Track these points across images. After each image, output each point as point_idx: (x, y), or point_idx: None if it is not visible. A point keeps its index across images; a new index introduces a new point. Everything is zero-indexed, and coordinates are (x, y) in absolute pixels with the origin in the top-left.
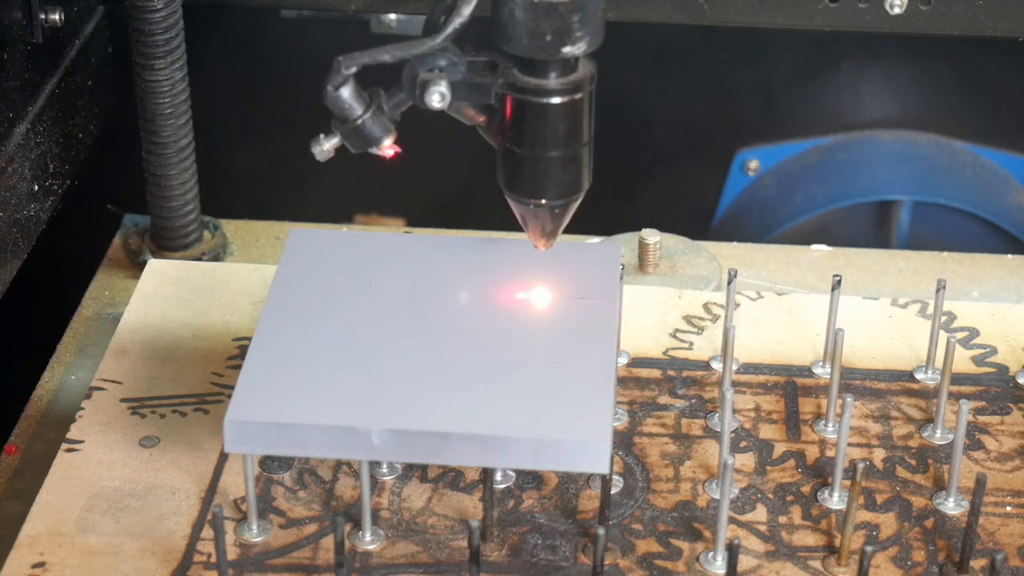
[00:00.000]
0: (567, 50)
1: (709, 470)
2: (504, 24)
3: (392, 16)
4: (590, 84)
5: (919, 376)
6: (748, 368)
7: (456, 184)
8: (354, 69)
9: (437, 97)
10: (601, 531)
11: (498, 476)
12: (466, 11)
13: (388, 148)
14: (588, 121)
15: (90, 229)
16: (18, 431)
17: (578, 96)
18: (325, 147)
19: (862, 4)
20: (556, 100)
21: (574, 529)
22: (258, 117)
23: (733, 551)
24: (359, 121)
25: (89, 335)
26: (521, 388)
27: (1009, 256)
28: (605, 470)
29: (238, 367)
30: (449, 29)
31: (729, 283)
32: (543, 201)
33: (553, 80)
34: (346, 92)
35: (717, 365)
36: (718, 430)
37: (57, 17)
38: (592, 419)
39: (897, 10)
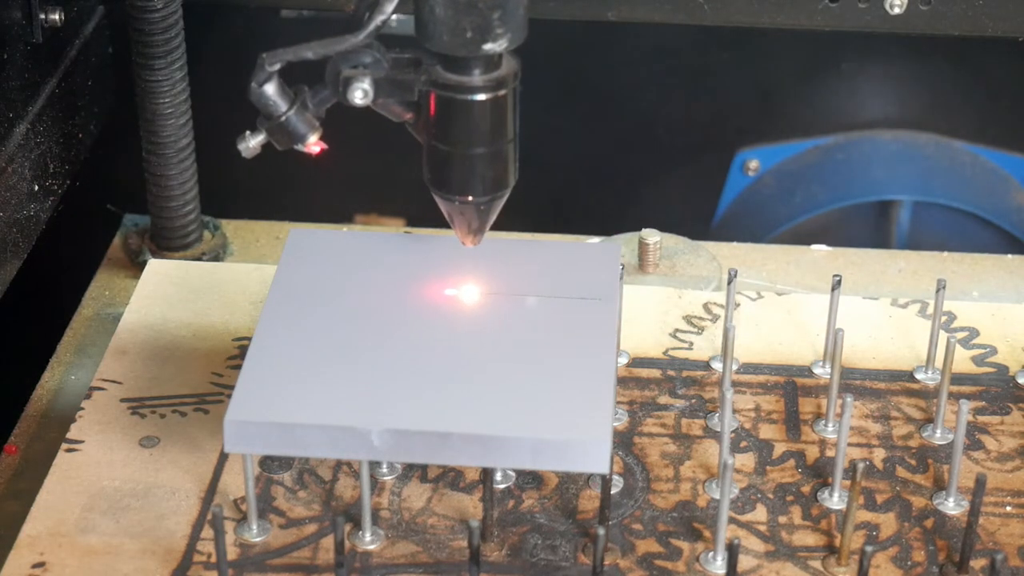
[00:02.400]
0: (488, 47)
1: (709, 470)
2: (425, 21)
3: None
4: (514, 81)
5: (919, 376)
6: (748, 368)
7: None
8: (278, 66)
9: (360, 94)
10: (601, 531)
11: (498, 476)
12: (388, 8)
13: (314, 145)
14: (513, 118)
15: (90, 229)
16: (18, 431)
17: (501, 93)
18: (251, 144)
19: (862, 4)
20: (479, 97)
21: (574, 529)
22: (258, 117)
23: (733, 551)
24: (283, 118)
25: (89, 335)
26: (521, 388)
27: (1009, 256)
28: (605, 470)
29: (238, 367)
30: (371, 26)
31: (729, 283)
32: (469, 198)
33: (476, 77)
34: (270, 89)
35: (717, 365)
36: (718, 430)
37: (57, 17)
38: (592, 419)
39: (897, 10)
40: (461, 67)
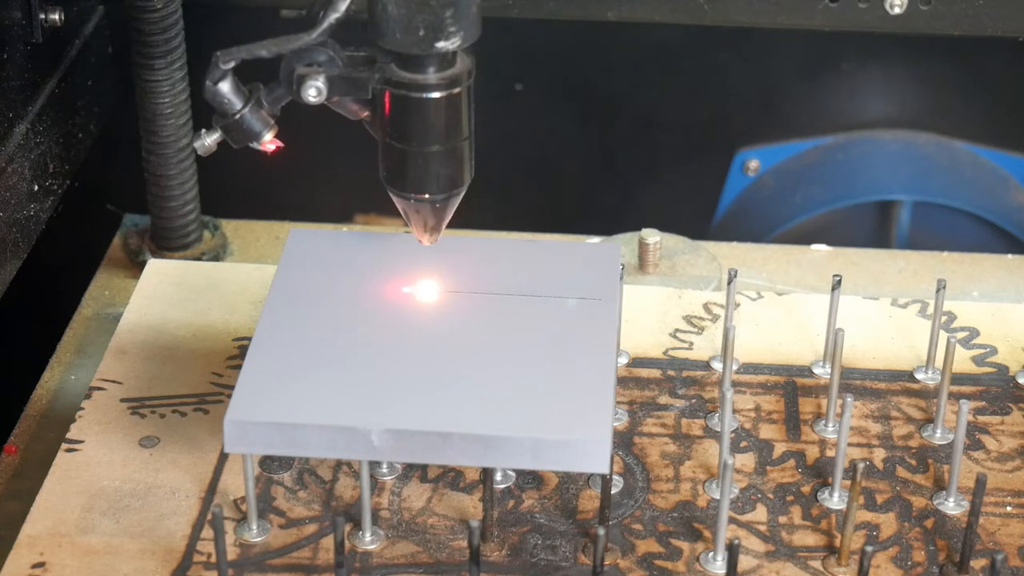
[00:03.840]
0: (441, 45)
1: (709, 470)
2: (378, 19)
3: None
4: (468, 78)
5: (919, 376)
6: (748, 368)
7: None
8: (232, 64)
9: (313, 92)
10: (601, 531)
11: (498, 476)
12: (341, 7)
13: (269, 143)
14: (468, 116)
15: (90, 229)
16: (18, 431)
17: (456, 91)
18: (207, 142)
19: (862, 4)
20: (433, 95)
21: (574, 529)
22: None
23: (733, 551)
24: (238, 116)
25: (89, 335)
26: (521, 388)
27: (1009, 256)
28: (605, 470)
29: (238, 367)
30: (325, 24)
31: (729, 283)
32: (425, 196)
33: (430, 75)
34: (225, 86)
35: (717, 365)
36: (718, 430)
37: (57, 17)
38: (592, 419)
39: (897, 10)
40: (415, 65)
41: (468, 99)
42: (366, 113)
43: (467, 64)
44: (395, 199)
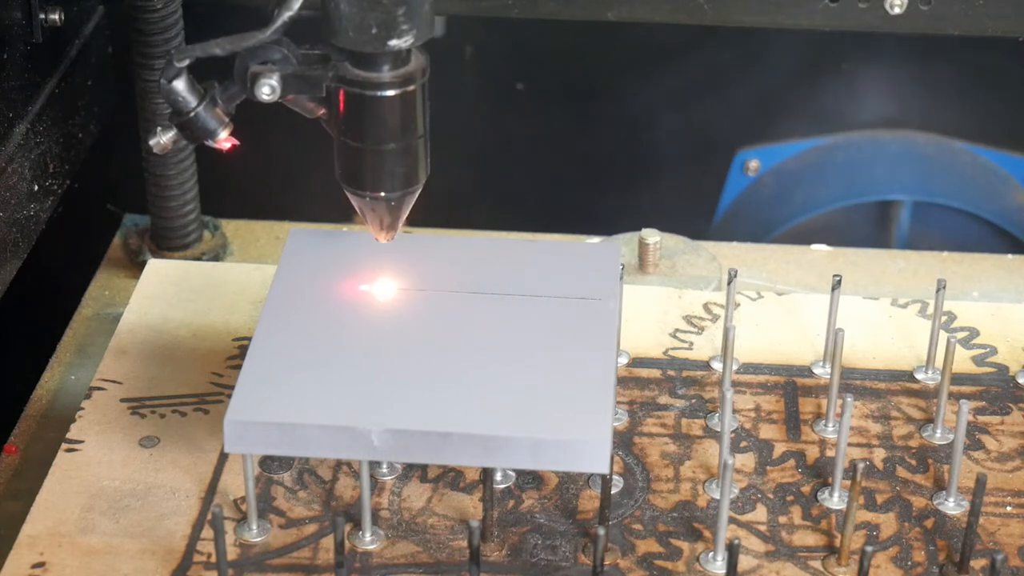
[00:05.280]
0: (394, 43)
1: (709, 470)
2: (331, 17)
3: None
4: (422, 76)
5: (919, 376)
6: (748, 368)
7: (456, 184)
8: (186, 62)
9: (267, 90)
10: (601, 531)
11: (498, 476)
12: (295, 5)
13: (225, 141)
14: (423, 113)
15: (90, 229)
16: (18, 431)
17: (410, 89)
18: (162, 140)
19: (862, 4)
20: (386, 93)
21: (574, 529)
22: (258, 117)
23: (733, 551)
24: (192, 114)
25: (89, 335)
26: (521, 388)
27: (1009, 256)
28: (605, 470)
29: (238, 367)
30: (278, 22)
31: (729, 283)
32: (380, 194)
33: (384, 73)
34: (179, 85)
35: (717, 365)
36: (718, 430)
37: (57, 17)
38: (592, 419)
39: (897, 10)
40: (368, 63)
41: (423, 97)
42: (322, 111)
43: (421, 62)
44: (351, 197)
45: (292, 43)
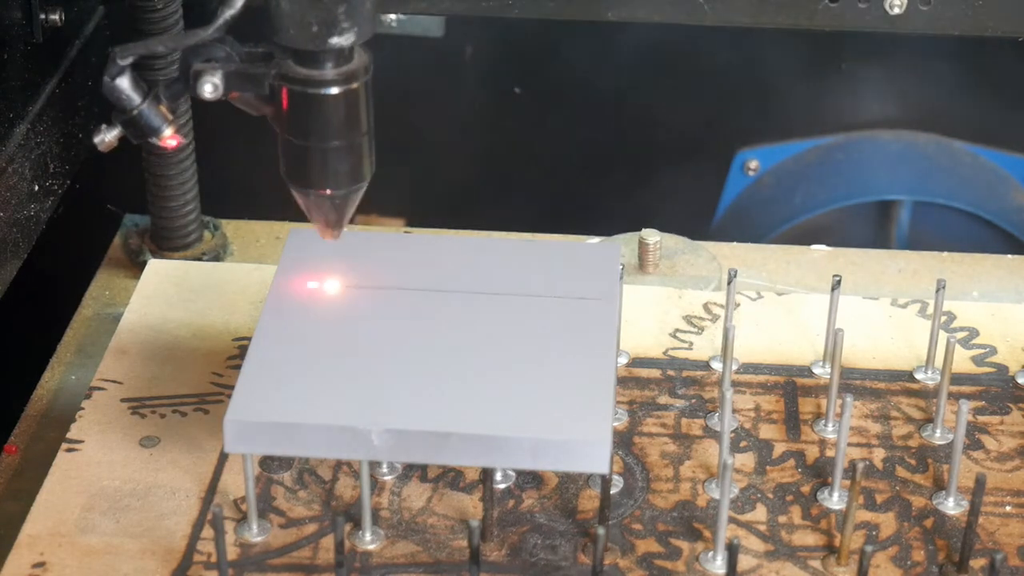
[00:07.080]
0: (335, 41)
1: (709, 470)
2: (273, 15)
3: (392, 16)
4: (365, 74)
5: (919, 376)
6: (748, 368)
7: (456, 184)
8: (130, 60)
9: (209, 88)
10: (601, 531)
11: (498, 476)
12: (238, 4)
13: (169, 139)
14: (366, 111)
15: (90, 229)
16: (18, 431)
17: (353, 86)
18: (107, 138)
19: (862, 4)
20: (328, 91)
21: (574, 529)
22: (258, 117)
23: (733, 551)
24: (136, 111)
25: (89, 335)
26: (521, 388)
27: (1009, 256)
28: (605, 470)
29: (238, 367)
30: (220, 20)
31: (729, 283)
32: (325, 192)
33: (326, 70)
34: (123, 82)
35: (717, 365)
36: (718, 430)
37: (57, 17)
38: (592, 419)
39: (897, 10)
40: (311, 61)
41: (366, 95)
42: (268, 108)
43: (364, 60)
44: (295, 194)
45: (236, 41)
